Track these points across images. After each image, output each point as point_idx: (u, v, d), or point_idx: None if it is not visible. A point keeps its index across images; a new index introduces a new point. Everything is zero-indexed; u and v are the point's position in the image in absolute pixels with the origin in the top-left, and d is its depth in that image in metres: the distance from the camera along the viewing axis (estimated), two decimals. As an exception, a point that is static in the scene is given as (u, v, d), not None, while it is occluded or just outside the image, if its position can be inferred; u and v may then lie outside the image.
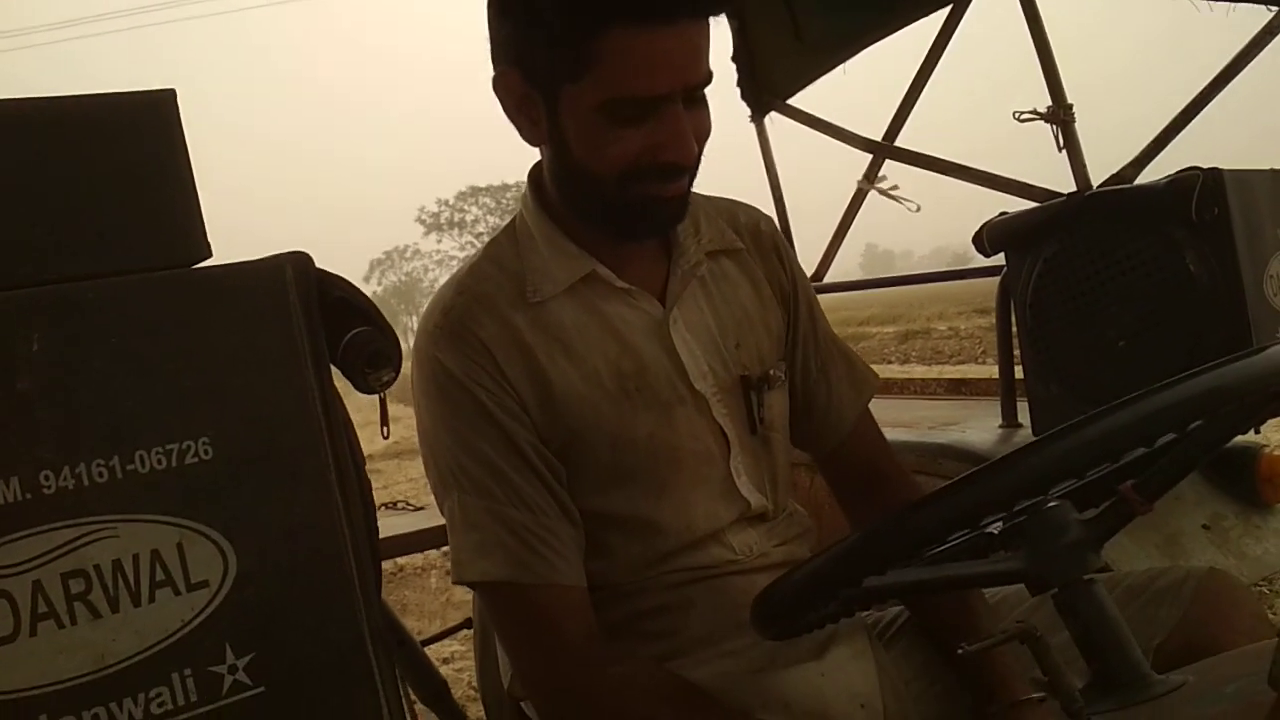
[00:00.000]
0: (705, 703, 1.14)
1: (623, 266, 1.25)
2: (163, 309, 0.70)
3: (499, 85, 1.21)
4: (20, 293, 0.66)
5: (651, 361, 1.24)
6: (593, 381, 1.20)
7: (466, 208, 63.89)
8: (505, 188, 64.37)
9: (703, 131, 1.16)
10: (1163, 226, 1.63)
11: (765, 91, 2.60)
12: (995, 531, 1.08)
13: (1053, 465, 0.87)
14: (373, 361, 0.79)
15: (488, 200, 63.69)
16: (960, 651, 0.92)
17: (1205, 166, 1.62)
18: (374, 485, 0.82)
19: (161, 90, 0.78)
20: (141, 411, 0.68)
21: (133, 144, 0.75)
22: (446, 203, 62.78)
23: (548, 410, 1.19)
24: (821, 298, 1.47)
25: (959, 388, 2.48)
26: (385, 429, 0.87)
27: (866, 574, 0.94)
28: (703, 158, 1.19)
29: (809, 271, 2.59)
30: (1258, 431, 1.65)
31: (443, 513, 1.20)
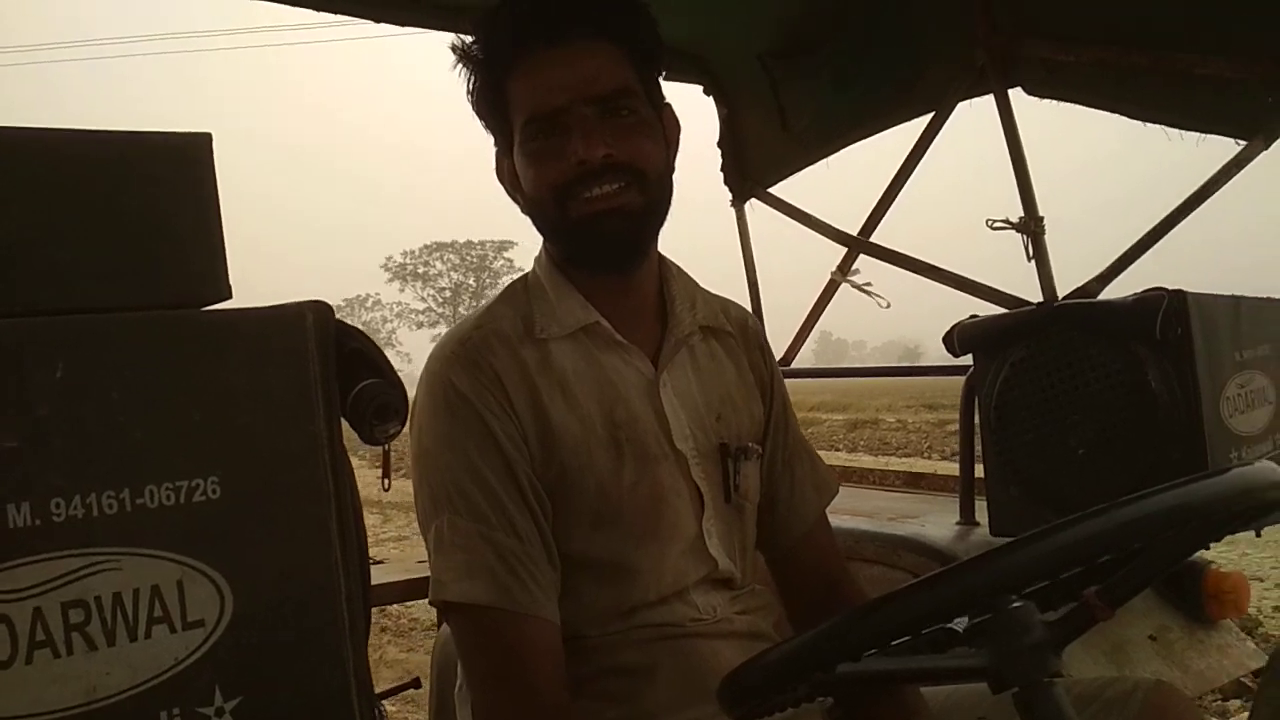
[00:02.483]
0: None
1: (621, 325, 1.31)
2: (183, 346, 0.72)
3: (498, 173, 1.36)
4: (47, 320, 0.67)
5: (641, 415, 1.29)
6: (587, 425, 1.25)
7: (431, 261, 64.03)
8: (470, 245, 64.74)
9: (630, 143, 1.25)
10: (1128, 342, 1.69)
11: (748, 178, 2.67)
12: (959, 629, 1.10)
13: (1030, 566, 0.90)
14: (380, 414, 0.80)
15: (452, 256, 63.93)
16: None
17: (1171, 288, 1.69)
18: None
19: (197, 134, 0.80)
20: (154, 446, 0.69)
21: (166, 182, 0.77)
22: (411, 254, 62.79)
23: (545, 445, 1.23)
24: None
25: (916, 481, 2.53)
26: (386, 480, 0.88)
27: (840, 659, 0.96)
28: (652, 180, 1.27)
29: (777, 355, 2.64)
30: (1207, 547, 1.70)
31: (426, 535, 1.22)
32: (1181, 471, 1.47)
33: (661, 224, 1.32)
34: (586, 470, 1.25)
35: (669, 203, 1.32)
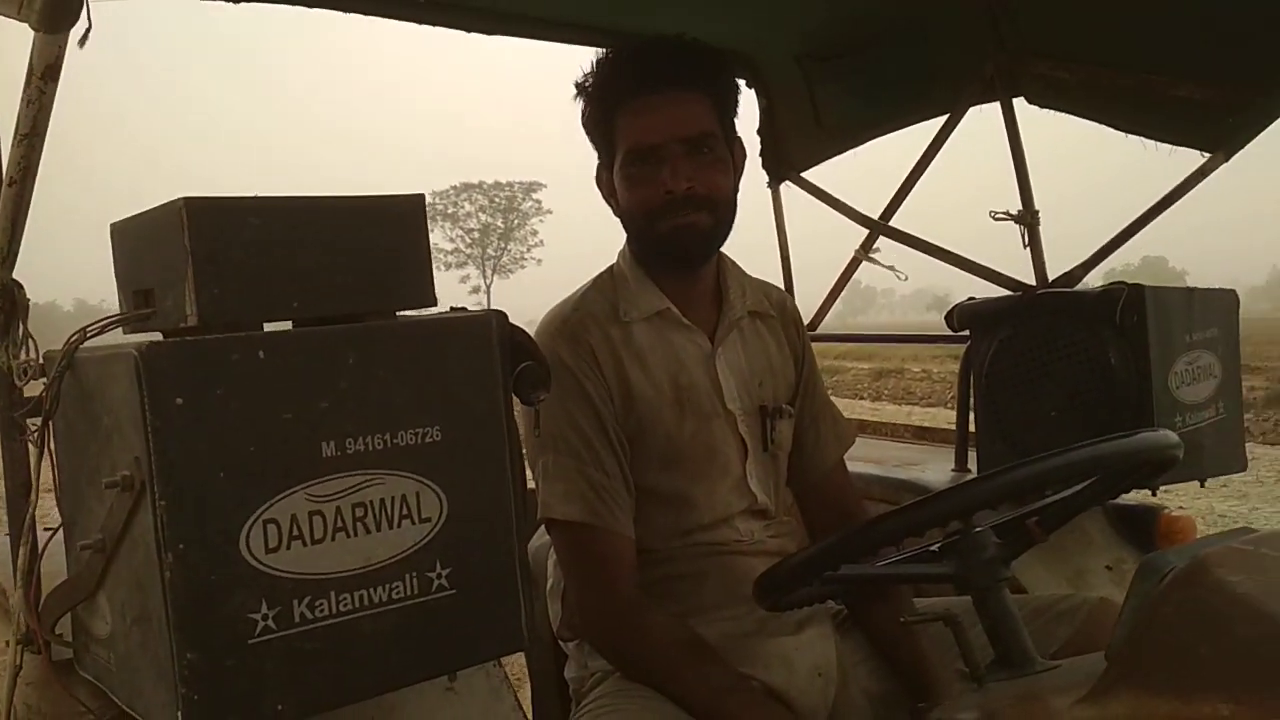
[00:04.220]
0: (712, 654, 1.54)
1: (687, 309, 1.68)
2: (420, 341, 1.10)
3: (598, 180, 1.72)
4: (344, 326, 1.06)
5: (699, 382, 1.66)
6: (658, 389, 1.63)
7: (460, 202, 64.11)
8: (499, 186, 64.64)
9: (707, 177, 1.61)
10: (1094, 325, 2.05)
11: (783, 164, 3.00)
12: (936, 549, 1.48)
13: (979, 497, 1.28)
14: (535, 386, 1.18)
15: (480, 197, 63.92)
16: (902, 620, 1.34)
17: (1131, 282, 2.04)
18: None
19: (414, 195, 1.17)
20: (403, 406, 1.08)
21: (395, 229, 1.15)
22: (441, 194, 62.78)
23: (626, 404, 1.61)
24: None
25: (923, 434, 2.90)
26: (538, 430, 1.27)
27: (846, 561, 1.34)
28: (721, 206, 1.62)
29: (808, 317, 2.99)
30: (1154, 494, 2.07)
31: (534, 469, 1.58)
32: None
33: (725, 237, 1.68)
34: (657, 423, 1.62)
35: (733, 219, 1.68)
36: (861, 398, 18.70)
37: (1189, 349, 2.09)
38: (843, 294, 3.06)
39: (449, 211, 63.08)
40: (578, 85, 1.68)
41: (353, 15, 2.02)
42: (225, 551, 0.96)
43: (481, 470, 1.13)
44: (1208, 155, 2.23)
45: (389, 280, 1.14)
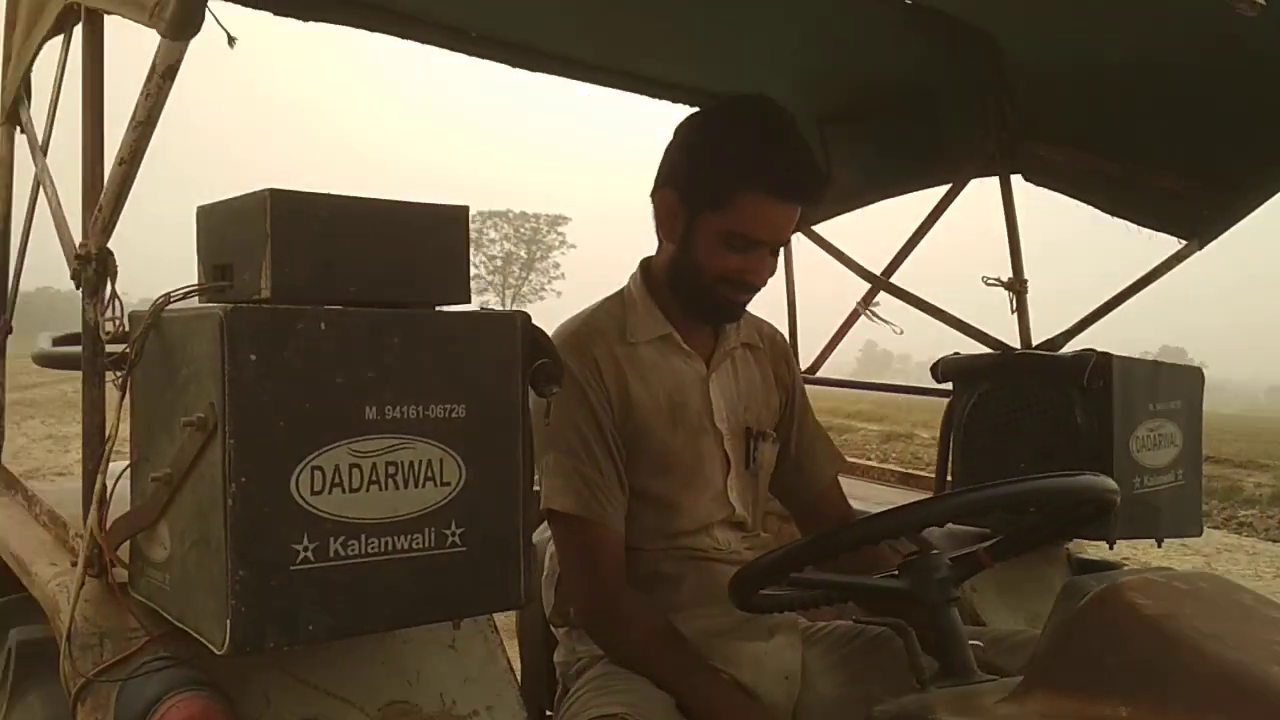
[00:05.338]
0: (685, 643, 1.71)
1: (687, 336, 1.87)
2: (455, 331, 1.28)
3: (658, 199, 1.85)
4: (392, 310, 1.24)
5: (693, 401, 1.85)
6: (655, 403, 1.81)
7: (485, 229, 64.74)
8: (524, 216, 65.31)
9: (769, 273, 1.82)
10: (1064, 386, 2.22)
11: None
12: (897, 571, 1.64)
13: (931, 513, 1.46)
14: (549, 381, 1.36)
15: (505, 226, 64.57)
16: (854, 621, 1.50)
17: (1100, 350, 2.22)
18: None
19: (458, 206, 1.36)
20: (436, 384, 1.25)
21: (439, 233, 1.34)
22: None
23: (625, 412, 1.79)
24: (817, 388, 2.03)
25: (906, 480, 3.07)
26: (548, 420, 1.44)
27: (808, 564, 1.51)
28: None
29: (808, 362, 3.18)
30: (1111, 547, 2.23)
31: (539, 465, 1.74)
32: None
33: None
34: (652, 432, 1.81)
35: None
36: (869, 459, 18.71)
37: (1152, 416, 2.25)
38: (859, 355, 3.23)
39: (473, 237, 63.50)
40: (708, 115, 1.86)
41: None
42: (279, 488, 1.14)
43: (497, 447, 1.31)
44: (1184, 242, 2.42)
45: (431, 277, 1.33)
